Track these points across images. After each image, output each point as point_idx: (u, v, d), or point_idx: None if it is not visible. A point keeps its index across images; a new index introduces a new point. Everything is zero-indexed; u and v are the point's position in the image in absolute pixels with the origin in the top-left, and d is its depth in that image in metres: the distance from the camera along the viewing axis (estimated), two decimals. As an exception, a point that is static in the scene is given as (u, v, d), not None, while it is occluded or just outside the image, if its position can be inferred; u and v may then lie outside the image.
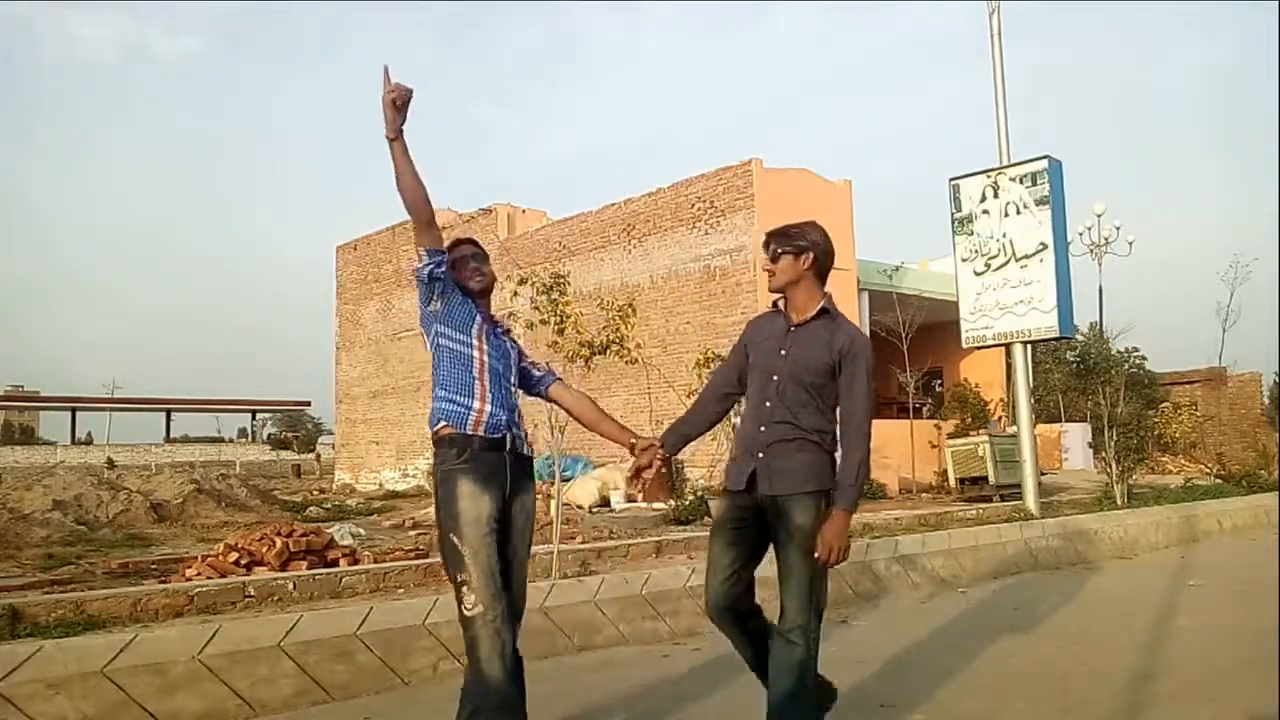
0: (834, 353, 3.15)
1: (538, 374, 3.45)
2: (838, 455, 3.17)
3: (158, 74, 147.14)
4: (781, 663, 3.10)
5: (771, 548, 3.21)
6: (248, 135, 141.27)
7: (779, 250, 3.25)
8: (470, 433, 3.10)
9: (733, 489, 3.24)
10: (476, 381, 3.16)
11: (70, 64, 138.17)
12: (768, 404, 3.20)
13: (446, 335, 3.19)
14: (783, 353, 3.21)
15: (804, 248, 3.24)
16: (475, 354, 3.18)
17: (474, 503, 3.05)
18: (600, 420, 3.46)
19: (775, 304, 3.34)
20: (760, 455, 3.16)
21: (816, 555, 3.02)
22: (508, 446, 3.16)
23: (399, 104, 2.99)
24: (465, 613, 3.02)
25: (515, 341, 3.42)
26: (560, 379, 3.52)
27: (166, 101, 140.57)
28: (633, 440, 3.36)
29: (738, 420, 3.51)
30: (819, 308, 3.23)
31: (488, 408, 3.14)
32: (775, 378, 3.20)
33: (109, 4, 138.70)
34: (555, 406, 3.65)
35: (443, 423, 3.13)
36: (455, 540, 3.05)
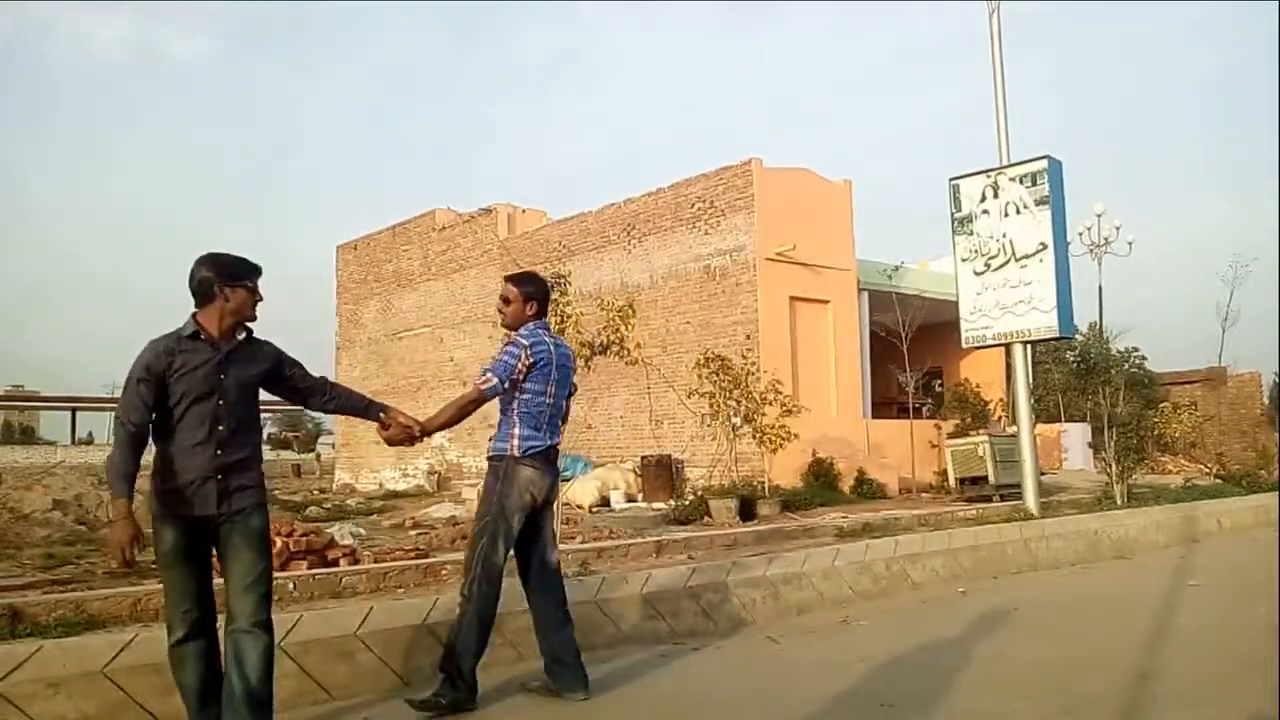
0: None
1: None
2: None
3: (162, 74, 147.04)
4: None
5: None
6: (251, 135, 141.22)
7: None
8: None
9: None
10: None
11: (74, 63, 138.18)
12: None
13: None
14: None
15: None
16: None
17: None
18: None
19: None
20: None
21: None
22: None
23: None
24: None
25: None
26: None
27: (171, 101, 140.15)
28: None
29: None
30: None
31: None
32: None
33: (119, 4, 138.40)
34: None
35: None
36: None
